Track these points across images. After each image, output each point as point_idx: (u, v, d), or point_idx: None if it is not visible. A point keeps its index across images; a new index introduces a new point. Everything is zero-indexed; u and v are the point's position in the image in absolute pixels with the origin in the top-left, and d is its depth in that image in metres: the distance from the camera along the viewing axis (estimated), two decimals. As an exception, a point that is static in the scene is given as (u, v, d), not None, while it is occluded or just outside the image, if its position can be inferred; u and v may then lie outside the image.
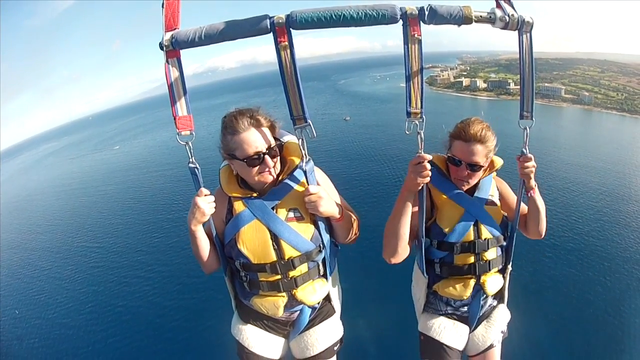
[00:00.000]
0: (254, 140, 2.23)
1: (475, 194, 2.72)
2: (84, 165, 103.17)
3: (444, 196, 2.68)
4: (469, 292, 2.73)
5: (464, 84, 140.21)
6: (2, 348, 31.10)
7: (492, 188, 2.80)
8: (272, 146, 2.30)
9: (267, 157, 2.26)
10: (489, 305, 2.94)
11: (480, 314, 2.89)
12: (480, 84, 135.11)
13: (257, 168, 2.27)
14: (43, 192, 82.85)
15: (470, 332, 2.90)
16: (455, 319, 2.87)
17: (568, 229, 38.86)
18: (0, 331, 33.64)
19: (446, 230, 2.63)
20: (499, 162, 2.76)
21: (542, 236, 2.82)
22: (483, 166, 2.59)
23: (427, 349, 2.87)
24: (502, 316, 2.95)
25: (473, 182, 2.67)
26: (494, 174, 2.83)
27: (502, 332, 2.94)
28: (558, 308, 27.74)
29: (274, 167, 2.34)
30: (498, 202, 2.80)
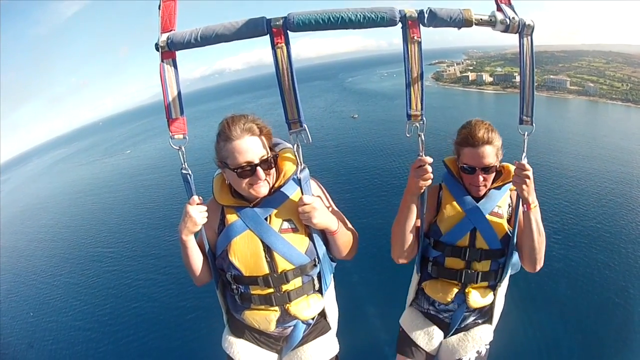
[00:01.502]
0: (246, 149, 2.15)
1: (481, 202, 2.66)
2: (95, 171, 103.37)
3: (451, 197, 2.68)
4: (450, 298, 2.73)
5: (470, 79, 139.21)
6: (17, 352, 31.36)
7: (503, 199, 2.70)
8: (265, 157, 2.21)
9: (259, 168, 2.17)
10: (474, 321, 2.88)
11: (461, 326, 2.85)
12: (487, 78, 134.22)
13: (248, 180, 2.19)
14: (54, 198, 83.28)
15: (443, 338, 2.87)
16: (434, 322, 2.88)
17: (575, 215, 39.01)
18: (14, 334, 33.97)
19: (442, 230, 2.65)
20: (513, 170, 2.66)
21: (536, 269, 2.63)
22: (495, 165, 2.58)
23: (401, 343, 2.94)
24: (482, 335, 2.85)
25: (489, 183, 2.65)
26: (511, 185, 2.63)
27: (477, 352, 2.84)
28: (568, 294, 27.67)
29: (267, 179, 2.26)
30: (505, 215, 2.68)
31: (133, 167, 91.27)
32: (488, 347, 2.90)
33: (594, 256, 31.83)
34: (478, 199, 2.69)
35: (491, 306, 2.85)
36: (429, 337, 2.84)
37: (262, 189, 2.25)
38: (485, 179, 2.58)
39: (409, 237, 2.54)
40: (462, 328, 2.86)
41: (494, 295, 2.80)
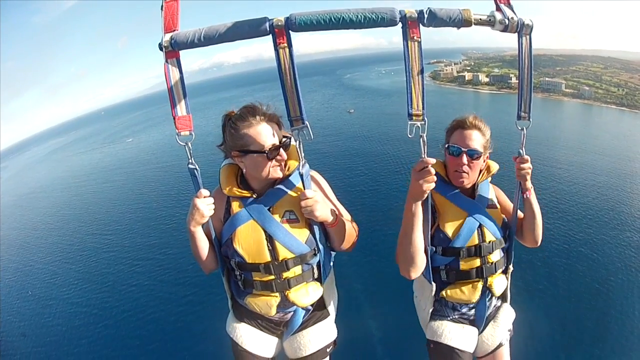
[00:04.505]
0: (270, 132, 2.26)
1: (477, 198, 2.70)
2: (93, 160, 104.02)
3: (446, 201, 2.66)
4: (477, 295, 2.70)
5: (466, 78, 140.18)
6: (10, 342, 31.39)
7: (490, 192, 2.79)
8: (283, 140, 2.32)
9: (281, 150, 2.29)
10: (494, 306, 2.93)
11: (487, 315, 2.88)
12: (483, 78, 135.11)
13: (273, 161, 2.29)
14: (55, 184, 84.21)
15: (479, 334, 2.88)
16: (463, 323, 2.83)
17: (561, 208, 40.20)
18: (15, 307, 34.89)
19: (451, 235, 2.61)
20: (494, 166, 2.78)
21: (538, 243, 2.79)
22: (481, 154, 2.58)
23: (439, 356, 2.83)
24: (507, 315, 2.94)
25: (472, 176, 2.63)
26: (489, 179, 2.83)
27: (508, 330, 2.93)
28: (550, 286, 28.46)
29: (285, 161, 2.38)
30: (497, 205, 2.78)
31: (133, 155, 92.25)
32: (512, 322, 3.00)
33: (577, 248, 33.11)
34: (473, 195, 2.71)
35: (506, 288, 2.92)
36: (469, 338, 2.81)
37: (281, 171, 2.37)
38: (469, 165, 2.57)
39: (419, 247, 2.42)
40: (489, 317, 2.91)
41: (507, 278, 2.89)
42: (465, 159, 2.55)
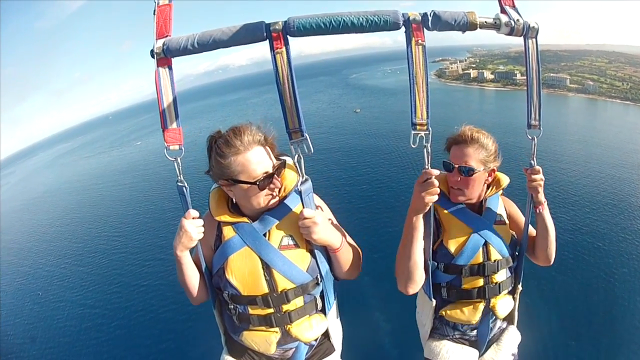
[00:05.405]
0: (261, 160, 2.05)
1: (485, 214, 2.57)
2: (104, 162, 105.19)
3: (451, 216, 2.53)
4: (478, 317, 2.58)
5: (471, 76, 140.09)
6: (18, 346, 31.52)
7: (499, 207, 2.64)
8: (276, 165, 2.11)
9: (274, 177, 2.09)
10: (499, 328, 2.79)
11: (490, 337, 2.75)
12: (488, 75, 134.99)
13: (266, 191, 2.09)
14: (63, 187, 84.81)
15: (479, 357, 2.76)
16: (463, 343, 2.71)
17: (568, 201, 40.20)
18: (25, 310, 35.04)
19: (454, 252, 2.48)
20: (505, 180, 2.62)
21: (551, 262, 2.61)
22: (476, 170, 2.43)
23: None
24: (512, 338, 2.80)
25: (471, 193, 2.51)
26: (501, 192, 2.68)
27: (512, 354, 2.78)
28: (559, 276, 28.18)
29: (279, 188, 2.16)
30: (507, 221, 2.64)
31: (143, 157, 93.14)
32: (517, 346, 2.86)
33: (580, 242, 33.06)
34: (481, 211, 2.60)
35: (512, 309, 2.79)
36: (467, 359, 2.68)
37: (274, 199, 2.17)
38: (462, 182, 2.46)
39: (418, 262, 2.30)
40: (492, 339, 2.79)
41: (514, 299, 2.76)
42: (458, 176, 2.45)
